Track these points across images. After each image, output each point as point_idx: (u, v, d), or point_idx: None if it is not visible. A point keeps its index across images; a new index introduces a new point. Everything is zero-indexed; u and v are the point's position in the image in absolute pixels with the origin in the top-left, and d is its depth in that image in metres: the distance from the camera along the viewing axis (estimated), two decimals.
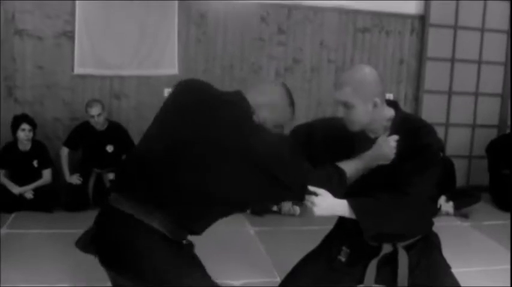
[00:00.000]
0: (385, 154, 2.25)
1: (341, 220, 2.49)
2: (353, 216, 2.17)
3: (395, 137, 2.26)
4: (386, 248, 2.37)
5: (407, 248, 2.37)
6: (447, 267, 2.47)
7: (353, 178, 2.23)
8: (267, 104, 2.21)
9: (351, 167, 2.22)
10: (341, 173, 2.19)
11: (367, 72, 2.25)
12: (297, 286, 2.45)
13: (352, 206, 2.16)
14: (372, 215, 2.17)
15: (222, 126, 2.05)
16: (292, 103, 2.28)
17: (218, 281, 3.78)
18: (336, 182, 2.17)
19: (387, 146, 2.24)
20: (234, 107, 2.16)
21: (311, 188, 2.12)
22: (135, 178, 2.12)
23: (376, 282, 2.43)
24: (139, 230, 2.04)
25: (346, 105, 2.23)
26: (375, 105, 2.23)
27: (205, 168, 2.00)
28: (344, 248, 2.43)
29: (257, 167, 1.97)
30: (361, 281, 2.38)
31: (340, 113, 2.34)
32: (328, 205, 2.14)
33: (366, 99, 2.22)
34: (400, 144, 2.25)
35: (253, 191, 2.06)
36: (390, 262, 2.37)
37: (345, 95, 2.22)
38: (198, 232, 2.21)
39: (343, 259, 2.42)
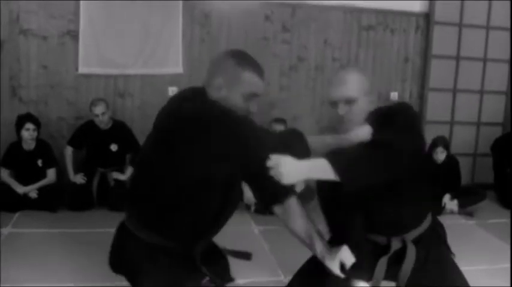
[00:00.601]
0: (361, 135, 2.17)
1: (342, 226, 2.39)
2: (329, 175, 2.00)
3: (368, 128, 2.19)
4: (396, 244, 2.33)
5: (416, 242, 2.34)
6: (455, 264, 2.45)
7: (320, 150, 2.12)
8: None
9: (316, 140, 2.20)
10: (301, 139, 2.13)
11: (359, 71, 2.34)
12: None
13: (330, 161, 2.01)
14: (352, 168, 2.02)
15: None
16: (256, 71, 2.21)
17: None
18: (297, 146, 2.10)
19: (364, 129, 2.19)
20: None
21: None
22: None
23: (386, 278, 2.40)
24: None
25: (349, 101, 2.22)
26: (371, 102, 2.29)
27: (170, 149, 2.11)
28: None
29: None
30: (370, 278, 2.34)
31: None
32: (298, 168, 2.01)
33: (366, 95, 2.27)
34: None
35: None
36: (399, 259, 2.33)
37: (349, 90, 2.23)
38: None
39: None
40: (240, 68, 2.18)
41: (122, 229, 2.50)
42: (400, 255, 2.34)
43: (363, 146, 2.08)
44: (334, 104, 2.25)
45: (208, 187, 2.11)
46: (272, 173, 2.01)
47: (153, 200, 2.19)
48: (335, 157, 2.02)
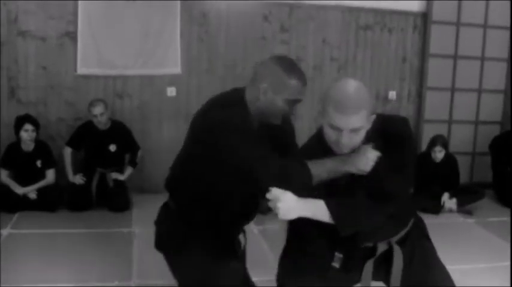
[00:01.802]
0: (362, 164, 2.11)
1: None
2: (325, 217, 2.09)
3: (376, 153, 2.13)
4: (382, 247, 2.31)
5: (401, 243, 2.33)
6: (439, 261, 2.42)
7: (321, 177, 2.13)
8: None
9: (318, 167, 2.13)
10: (306, 169, 2.12)
11: (361, 83, 2.11)
12: None
13: (328, 206, 2.09)
14: (347, 214, 2.10)
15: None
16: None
17: None
18: (297, 177, 2.12)
19: (366, 157, 2.12)
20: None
21: (272, 190, 2.07)
22: None
23: (375, 279, 2.40)
24: None
25: (356, 130, 2.05)
26: (372, 117, 2.13)
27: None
28: (337, 254, 2.30)
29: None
30: (358, 281, 2.34)
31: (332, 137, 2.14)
32: (296, 207, 2.08)
33: (370, 114, 2.10)
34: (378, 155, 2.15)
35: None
36: (386, 259, 2.33)
37: (361, 120, 2.04)
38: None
39: (337, 265, 2.29)
40: (286, 76, 2.25)
41: (165, 208, 2.75)
42: (386, 256, 2.33)
43: (363, 195, 2.11)
44: (336, 129, 2.06)
45: (228, 186, 2.31)
46: (270, 205, 2.08)
47: (187, 190, 2.47)
48: (333, 203, 2.09)
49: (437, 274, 2.36)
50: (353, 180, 2.15)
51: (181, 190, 2.50)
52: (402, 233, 2.35)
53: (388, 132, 2.16)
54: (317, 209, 2.09)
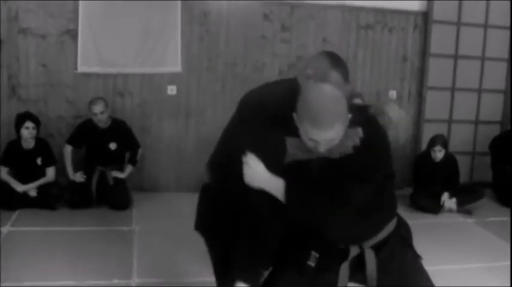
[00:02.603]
0: (346, 146, 2.09)
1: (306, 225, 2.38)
2: (280, 196, 2.14)
3: (360, 133, 2.09)
4: (354, 250, 2.29)
5: (377, 248, 2.30)
6: (420, 270, 2.39)
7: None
8: None
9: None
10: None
11: (336, 93, 2.06)
12: None
13: (286, 186, 2.13)
14: (301, 199, 2.13)
15: None
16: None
17: None
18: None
19: (351, 139, 2.09)
20: None
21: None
22: None
23: (355, 281, 2.40)
24: None
25: (333, 140, 2.04)
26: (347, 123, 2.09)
27: None
28: (313, 252, 2.31)
29: None
30: (334, 282, 2.30)
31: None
32: (258, 174, 2.17)
33: (345, 123, 2.06)
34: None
35: None
36: (361, 263, 2.30)
37: (336, 133, 2.02)
38: None
39: (312, 264, 2.30)
40: (330, 68, 2.45)
41: (205, 190, 2.88)
42: (360, 260, 2.31)
43: (326, 190, 2.10)
44: (314, 141, 2.04)
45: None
46: (243, 168, 2.18)
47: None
48: (293, 186, 2.13)
49: (418, 279, 2.34)
50: (325, 165, 2.14)
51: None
52: (377, 238, 2.30)
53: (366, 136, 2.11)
54: (275, 187, 2.15)
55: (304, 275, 2.31)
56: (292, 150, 2.15)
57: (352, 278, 2.35)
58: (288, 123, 2.13)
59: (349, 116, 2.07)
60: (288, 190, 2.13)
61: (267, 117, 2.28)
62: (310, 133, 2.02)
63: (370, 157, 2.09)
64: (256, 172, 2.17)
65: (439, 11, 6.33)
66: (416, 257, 2.41)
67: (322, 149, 2.05)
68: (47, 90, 5.62)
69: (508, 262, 4.16)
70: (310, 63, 2.55)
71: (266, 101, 2.45)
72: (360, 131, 2.08)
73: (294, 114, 2.09)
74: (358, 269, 2.32)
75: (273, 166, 2.17)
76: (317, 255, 2.31)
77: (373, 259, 2.28)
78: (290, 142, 2.16)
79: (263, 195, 2.18)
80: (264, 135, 2.26)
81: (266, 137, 2.24)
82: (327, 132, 2.00)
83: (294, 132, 2.11)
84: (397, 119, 2.07)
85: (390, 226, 2.34)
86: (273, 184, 2.16)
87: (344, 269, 2.29)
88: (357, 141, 2.07)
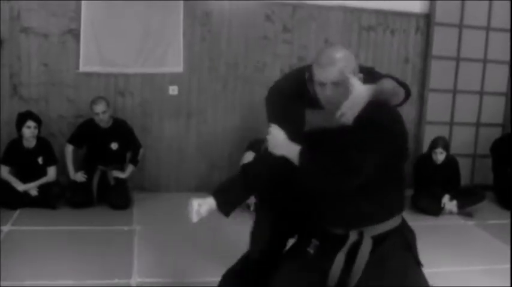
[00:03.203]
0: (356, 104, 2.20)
1: (311, 213, 2.51)
2: (295, 160, 2.28)
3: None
4: (353, 236, 2.32)
5: (377, 241, 2.31)
6: (419, 274, 2.40)
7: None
8: None
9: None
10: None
11: (346, 49, 2.29)
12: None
13: (300, 154, 2.27)
14: (312, 165, 2.25)
15: None
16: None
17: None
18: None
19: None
20: None
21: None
22: None
23: (343, 273, 2.38)
24: None
25: (338, 83, 2.20)
26: (359, 79, 2.24)
27: None
28: (313, 240, 2.42)
29: None
30: (327, 272, 2.32)
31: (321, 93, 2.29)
32: (279, 141, 2.35)
33: (353, 74, 2.23)
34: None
35: None
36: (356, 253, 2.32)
37: (338, 72, 2.20)
38: None
39: (311, 251, 2.41)
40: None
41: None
42: (356, 249, 2.33)
43: (335, 156, 2.19)
44: (321, 84, 2.23)
45: None
46: (267, 137, 2.38)
47: None
48: (306, 150, 2.27)
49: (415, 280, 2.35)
50: (337, 134, 2.25)
51: None
52: (378, 229, 2.32)
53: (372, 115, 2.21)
54: (292, 152, 2.29)
55: (302, 261, 2.41)
56: (310, 118, 2.36)
57: (345, 277, 2.32)
58: (304, 98, 2.36)
59: (360, 75, 2.26)
60: (301, 153, 2.26)
61: (287, 94, 2.52)
62: (316, 76, 2.24)
63: (375, 130, 2.20)
64: (277, 139, 2.35)
65: (441, 13, 6.32)
66: (418, 264, 2.40)
67: (329, 92, 2.22)
68: (49, 89, 5.62)
69: (508, 265, 4.15)
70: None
71: (285, 82, 2.64)
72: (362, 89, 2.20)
73: (306, 74, 2.33)
74: (349, 261, 2.31)
75: (294, 136, 2.33)
76: (317, 243, 2.40)
77: (369, 246, 2.29)
78: (308, 113, 2.37)
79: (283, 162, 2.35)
80: (284, 110, 2.48)
81: (287, 111, 2.47)
82: (328, 70, 2.20)
83: (311, 104, 2.34)
84: None
85: (393, 222, 2.36)
86: (290, 150, 2.30)
87: (340, 257, 2.31)
88: (360, 97, 2.18)
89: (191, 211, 2.53)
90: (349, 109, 2.18)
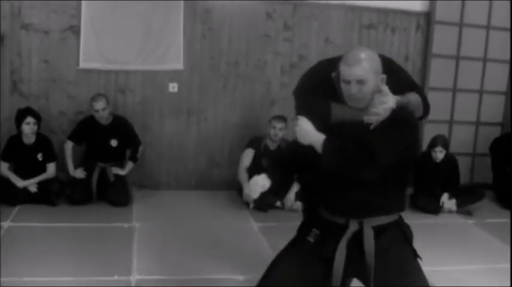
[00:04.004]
0: (381, 108, 2.36)
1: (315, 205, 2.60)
2: (319, 149, 2.38)
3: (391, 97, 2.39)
4: (353, 226, 2.40)
5: (376, 232, 2.39)
6: (418, 267, 2.44)
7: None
8: None
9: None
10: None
11: (371, 50, 2.43)
12: (274, 273, 2.52)
13: (324, 142, 2.37)
14: (335, 153, 2.37)
15: None
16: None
17: (222, 276, 3.82)
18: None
19: (381, 101, 2.37)
20: None
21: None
22: None
23: (352, 276, 2.52)
24: None
25: (362, 81, 2.33)
26: (382, 81, 2.38)
27: None
28: (314, 230, 2.51)
29: None
30: (330, 262, 2.39)
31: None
32: (306, 131, 2.44)
33: (377, 75, 2.37)
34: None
35: None
36: (359, 245, 2.39)
37: (363, 70, 2.33)
38: None
39: (312, 239, 2.49)
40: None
41: None
42: (358, 241, 2.40)
43: (357, 145, 2.31)
44: (347, 82, 2.35)
45: None
46: (295, 128, 2.48)
47: None
48: (329, 139, 2.37)
49: (414, 278, 2.39)
50: (361, 128, 2.37)
51: None
52: (378, 220, 2.41)
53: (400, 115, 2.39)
54: (317, 141, 2.39)
55: (303, 248, 2.49)
56: (336, 112, 2.43)
57: (349, 268, 2.40)
58: (331, 92, 2.46)
59: (384, 76, 2.39)
60: (325, 141, 2.36)
61: (314, 88, 2.58)
62: (342, 73, 2.36)
63: (400, 129, 2.35)
64: (304, 129, 2.44)
65: (442, 12, 6.33)
66: (416, 257, 2.44)
67: (353, 90, 2.34)
68: (49, 86, 5.62)
69: (507, 264, 4.16)
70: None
71: (312, 76, 2.67)
72: (392, 99, 2.36)
73: (333, 74, 2.43)
74: (352, 259, 2.38)
75: (321, 127, 2.42)
76: (318, 232, 2.49)
77: (372, 236, 2.37)
78: (334, 106, 2.44)
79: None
80: (311, 103, 2.55)
81: (313, 104, 2.53)
82: (354, 68, 2.32)
83: (336, 99, 2.43)
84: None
85: (392, 217, 2.45)
86: (316, 139, 2.40)
87: (342, 244, 2.38)
88: (389, 106, 2.34)
89: (255, 186, 2.65)
90: (376, 115, 2.34)
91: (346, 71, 2.35)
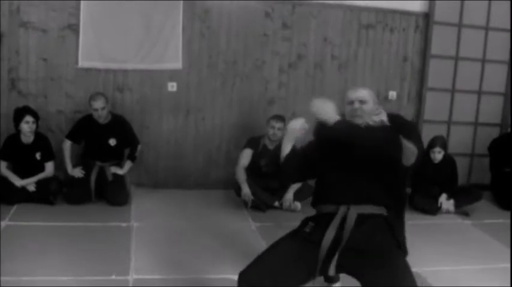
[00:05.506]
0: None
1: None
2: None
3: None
4: (342, 210, 2.66)
5: (361, 219, 2.63)
6: (406, 265, 2.60)
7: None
8: None
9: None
10: None
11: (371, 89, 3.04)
12: (268, 260, 2.73)
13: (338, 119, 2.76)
14: (344, 126, 2.75)
15: None
16: None
17: (219, 275, 3.82)
18: None
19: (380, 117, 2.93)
20: None
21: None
22: None
23: (342, 271, 2.74)
24: None
25: (363, 101, 2.88)
26: (378, 108, 2.96)
27: None
28: (310, 222, 2.79)
29: None
30: (320, 244, 2.62)
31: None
32: (327, 110, 2.74)
33: (374, 102, 2.97)
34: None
35: None
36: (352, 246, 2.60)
37: (364, 93, 2.93)
38: None
39: (307, 230, 2.76)
40: None
41: None
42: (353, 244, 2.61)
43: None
44: (350, 102, 2.90)
45: None
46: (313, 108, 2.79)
47: None
48: (342, 119, 2.76)
49: (404, 279, 2.53)
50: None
51: None
52: (365, 209, 2.66)
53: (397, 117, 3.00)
54: (333, 118, 2.71)
55: (298, 236, 2.76)
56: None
57: (339, 259, 2.61)
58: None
59: (380, 106, 2.99)
60: (339, 119, 2.72)
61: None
62: (347, 97, 2.92)
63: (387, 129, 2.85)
64: (296, 124, 2.96)
65: (441, 12, 6.33)
66: (400, 248, 2.67)
67: (356, 106, 2.85)
68: (47, 84, 5.62)
69: (504, 265, 4.17)
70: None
71: None
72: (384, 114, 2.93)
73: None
74: (342, 252, 2.60)
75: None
76: (313, 224, 2.76)
77: (354, 217, 2.62)
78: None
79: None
80: None
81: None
82: (358, 91, 2.92)
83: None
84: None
85: (380, 209, 2.69)
86: (332, 117, 2.71)
87: (331, 229, 2.63)
88: (382, 117, 2.89)
89: (296, 125, 2.98)
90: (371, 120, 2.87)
91: (350, 94, 2.93)
